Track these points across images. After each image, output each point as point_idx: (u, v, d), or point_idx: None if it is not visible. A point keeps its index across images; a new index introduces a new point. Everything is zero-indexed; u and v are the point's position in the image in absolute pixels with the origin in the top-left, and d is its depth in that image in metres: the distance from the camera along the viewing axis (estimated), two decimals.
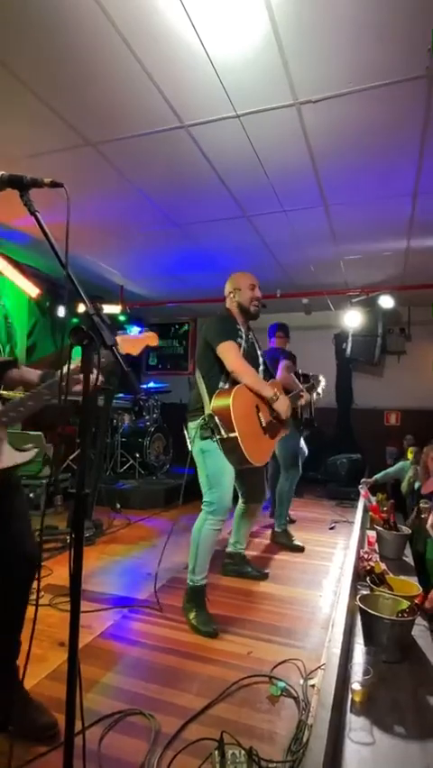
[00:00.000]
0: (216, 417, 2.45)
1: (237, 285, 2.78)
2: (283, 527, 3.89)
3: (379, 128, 2.73)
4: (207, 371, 2.63)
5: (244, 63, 2.27)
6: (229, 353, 2.55)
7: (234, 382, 2.58)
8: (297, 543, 3.76)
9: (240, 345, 2.64)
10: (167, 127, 2.78)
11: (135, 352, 1.81)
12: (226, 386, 2.58)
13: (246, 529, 3.11)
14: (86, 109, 2.65)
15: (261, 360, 2.83)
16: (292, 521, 4.40)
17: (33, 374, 1.74)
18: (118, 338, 1.81)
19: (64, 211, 1.16)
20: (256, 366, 2.73)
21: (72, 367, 1.46)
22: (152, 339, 1.85)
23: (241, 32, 2.09)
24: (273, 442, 2.78)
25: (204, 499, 2.53)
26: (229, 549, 3.13)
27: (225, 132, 2.79)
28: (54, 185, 1.23)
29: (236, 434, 2.39)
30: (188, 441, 2.64)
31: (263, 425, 2.66)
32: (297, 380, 3.80)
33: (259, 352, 2.84)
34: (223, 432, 2.42)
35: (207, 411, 2.50)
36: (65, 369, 1.35)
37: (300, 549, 3.70)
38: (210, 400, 2.52)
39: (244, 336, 2.71)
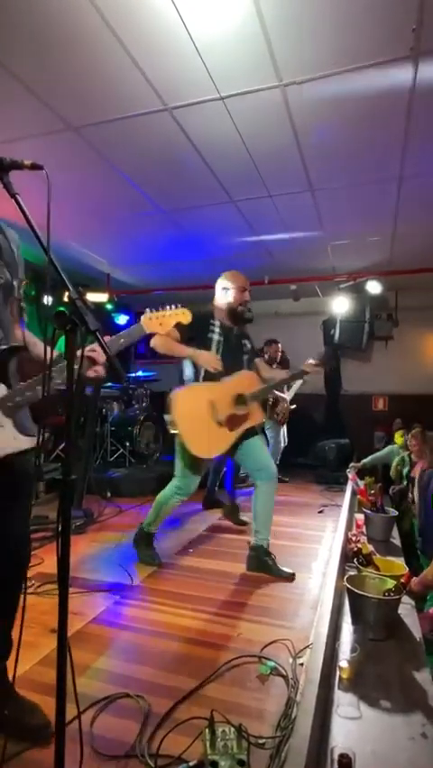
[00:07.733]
0: (167, 417, 2.77)
1: (223, 286, 2.97)
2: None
3: (364, 110, 2.71)
4: (186, 378, 2.94)
5: (226, 44, 2.22)
6: (157, 343, 2.73)
7: (206, 377, 2.78)
8: (243, 518, 3.87)
9: (212, 339, 2.82)
10: (150, 110, 2.73)
11: (163, 330, 1.61)
12: (198, 383, 2.85)
13: (264, 514, 2.91)
14: (66, 92, 2.58)
15: (245, 357, 2.97)
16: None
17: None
18: (144, 316, 1.63)
19: (45, 197, 1.14)
20: (236, 360, 2.90)
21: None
22: (183, 315, 1.64)
23: (223, 12, 2.05)
24: (233, 434, 2.85)
25: (176, 481, 2.96)
26: (252, 541, 2.94)
27: (208, 114, 2.75)
28: (34, 167, 1.21)
29: (178, 430, 2.69)
30: None
31: (219, 419, 2.76)
32: None
33: (245, 349, 3.00)
34: (171, 428, 2.74)
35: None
36: (49, 355, 1.32)
37: (244, 523, 3.81)
38: None
39: (218, 330, 2.85)
